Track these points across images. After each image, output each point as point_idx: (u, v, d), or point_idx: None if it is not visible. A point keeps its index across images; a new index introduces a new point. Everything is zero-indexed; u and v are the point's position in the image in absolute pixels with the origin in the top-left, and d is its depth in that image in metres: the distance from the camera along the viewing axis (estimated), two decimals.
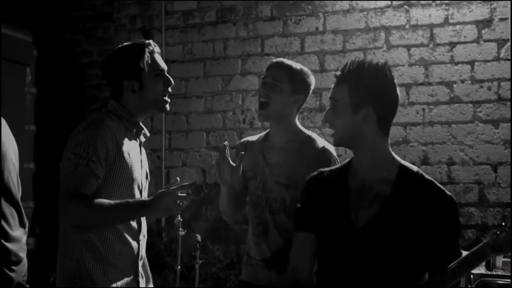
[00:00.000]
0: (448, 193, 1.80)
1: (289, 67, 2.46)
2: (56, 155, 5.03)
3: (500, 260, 3.25)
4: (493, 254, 1.62)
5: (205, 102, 4.73)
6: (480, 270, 3.24)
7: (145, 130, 2.34)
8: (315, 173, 2.01)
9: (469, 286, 3.19)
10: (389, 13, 4.30)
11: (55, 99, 5.09)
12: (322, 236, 1.90)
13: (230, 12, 4.73)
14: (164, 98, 2.27)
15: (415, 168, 1.86)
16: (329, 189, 1.91)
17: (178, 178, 2.24)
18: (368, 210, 1.79)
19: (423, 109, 4.18)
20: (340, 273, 1.82)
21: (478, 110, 4.06)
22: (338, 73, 1.87)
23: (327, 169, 2.02)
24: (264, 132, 2.64)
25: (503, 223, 1.68)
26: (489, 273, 3.21)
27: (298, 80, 2.46)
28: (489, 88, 4.04)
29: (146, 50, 2.24)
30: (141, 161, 2.29)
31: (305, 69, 2.51)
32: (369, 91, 1.80)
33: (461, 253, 1.77)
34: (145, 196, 2.32)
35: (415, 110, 4.19)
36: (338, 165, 2.03)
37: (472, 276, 3.20)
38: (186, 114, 4.75)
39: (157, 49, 2.29)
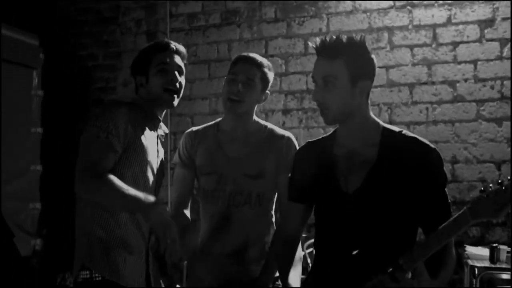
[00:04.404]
0: (432, 146, 1.83)
1: (261, 65, 2.40)
2: (63, 157, 5.10)
3: (504, 253, 3.27)
4: (474, 219, 1.62)
5: (210, 104, 4.77)
6: (484, 263, 3.27)
7: (163, 126, 2.40)
8: (304, 144, 2.06)
9: (473, 279, 3.21)
10: (392, 14, 4.33)
11: (61, 101, 5.15)
12: (315, 205, 1.97)
13: (234, 14, 4.78)
14: (167, 92, 2.28)
15: (397, 129, 1.90)
16: (316, 158, 1.95)
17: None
18: (357, 175, 1.83)
19: (427, 108, 4.21)
20: (336, 240, 1.87)
21: (481, 108, 4.08)
22: (317, 45, 1.84)
23: (314, 139, 2.06)
24: (212, 123, 2.54)
25: (483, 189, 1.68)
26: (493, 266, 3.23)
27: (268, 78, 2.42)
28: (492, 87, 4.06)
29: (156, 48, 2.32)
30: (157, 151, 2.33)
31: (270, 64, 2.47)
32: (364, 63, 1.83)
33: (449, 204, 1.80)
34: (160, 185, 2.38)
35: (418, 109, 4.22)
36: (324, 135, 2.05)
37: (476, 270, 3.23)
38: (191, 115, 4.79)
39: (173, 47, 2.33)
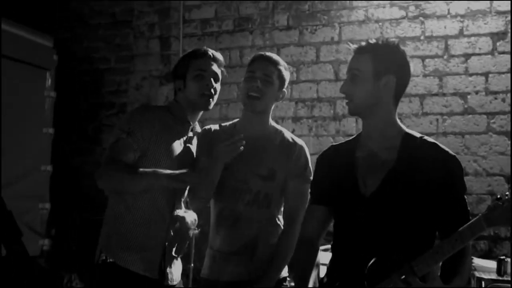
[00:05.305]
0: (452, 153, 1.86)
1: (278, 63, 2.50)
2: (73, 158, 5.15)
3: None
4: (488, 227, 1.65)
5: (221, 109, 4.79)
6: (491, 275, 3.26)
7: (196, 127, 2.56)
8: (328, 147, 2.13)
9: None
10: (404, 24, 4.34)
11: (73, 103, 5.20)
12: (335, 206, 1.98)
13: (247, 21, 4.81)
14: (203, 96, 2.43)
15: (418, 134, 1.92)
16: (339, 161, 2.00)
17: None
18: (376, 177, 1.86)
19: (437, 120, 4.20)
20: (352, 241, 1.88)
21: (492, 121, 4.07)
22: (355, 46, 1.96)
23: (337, 143, 2.14)
24: (230, 122, 2.62)
25: (499, 197, 1.70)
26: (500, 278, 3.22)
27: (284, 76, 2.51)
28: (503, 100, 4.05)
29: (195, 54, 2.50)
30: (183, 153, 2.44)
31: (286, 64, 2.56)
32: (391, 59, 1.90)
33: (468, 211, 1.82)
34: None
35: (428, 121, 4.22)
36: (348, 139, 2.10)
37: (483, 282, 3.21)
38: (202, 120, 4.75)
39: (210, 55, 2.49)
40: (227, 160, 2.33)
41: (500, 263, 3.26)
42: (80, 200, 4.97)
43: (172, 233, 2.39)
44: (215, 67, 2.49)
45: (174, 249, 2.42)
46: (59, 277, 4.62)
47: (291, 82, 4.56)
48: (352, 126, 4.38)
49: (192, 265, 4.02)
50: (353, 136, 2.07)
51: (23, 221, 4.35)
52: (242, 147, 2.30)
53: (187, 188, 2.48)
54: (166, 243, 2.38)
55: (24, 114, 4.56)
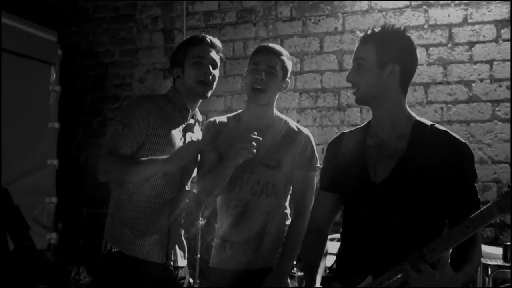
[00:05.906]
0: (463, 140, 1.85)
1: (281, 54, 2.48)
2: (78, 152, 5.17)
3: None
4: (500, 214, 1.64)
5: (225, 101, 4.80)
6: (498, 261, 3.27)
7: (197, 114, 2.52)
8: (338, 135, 2.11)
9: (486, 277, 3.21)
10: (407, 13, 4.33)
11: (78, 97, 5.22)
12: (344, 194, 1.99)
13: (250, 13, 4.80)
14: (200, 83, 2.40)
15: (429, 122, 1.91)
16: (349, 148, 1.99)
17: None
18: (386, 165, 1.85)
19: (442, 108, 4.20)
20: (362, 229, 1.88)
21: (497, 109, 4.06)
22: (361, 34, 1.94)
23: (348, 130, 2.11)
24: (234, 114, 2.60)
25: (511, 184, 1.71)
26: (506, 264, 3.23)
27: (287, 66, 2.49)
28: (508, 87, 4.04)
29: (192, 41, 2.46)
30: (184, 140, 2.43)
31: (288, 54, 2.54)
32: (395, 48, 1.88)
33: (478, 199, 1.81)
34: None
35: (433, 109, 4.22)
36: (358, 126, 2.10)
37: (489, 268, 3.23)
38: (206, 112, 4.80)
39: (208, 41, 2.45)
40: (239, 162, 2.31)
41: (506, 250, 3.28)
42: (87, 194, 5.00)
43: (180, 208, 2.39)
44: (213, 54, 2.45)
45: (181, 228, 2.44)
46: (66, 271, 4.65)
47: (295, 73, 4.57)
48: (357, 116, 4.38)
49: (199, 256, 4.03)
50: (364, 124, 2.06)
51: (30, 215, 4.39)
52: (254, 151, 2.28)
53: (194, 180, 2.49)
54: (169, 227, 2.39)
55: (29, 109, 4.59)
